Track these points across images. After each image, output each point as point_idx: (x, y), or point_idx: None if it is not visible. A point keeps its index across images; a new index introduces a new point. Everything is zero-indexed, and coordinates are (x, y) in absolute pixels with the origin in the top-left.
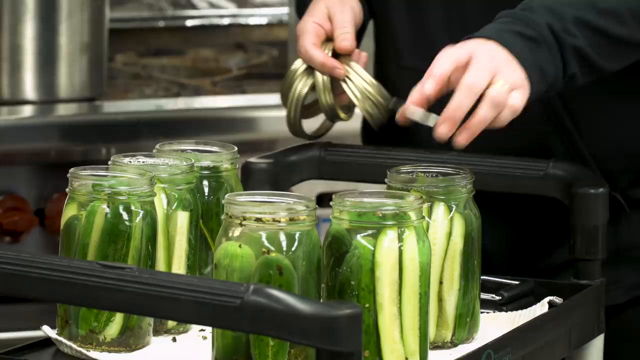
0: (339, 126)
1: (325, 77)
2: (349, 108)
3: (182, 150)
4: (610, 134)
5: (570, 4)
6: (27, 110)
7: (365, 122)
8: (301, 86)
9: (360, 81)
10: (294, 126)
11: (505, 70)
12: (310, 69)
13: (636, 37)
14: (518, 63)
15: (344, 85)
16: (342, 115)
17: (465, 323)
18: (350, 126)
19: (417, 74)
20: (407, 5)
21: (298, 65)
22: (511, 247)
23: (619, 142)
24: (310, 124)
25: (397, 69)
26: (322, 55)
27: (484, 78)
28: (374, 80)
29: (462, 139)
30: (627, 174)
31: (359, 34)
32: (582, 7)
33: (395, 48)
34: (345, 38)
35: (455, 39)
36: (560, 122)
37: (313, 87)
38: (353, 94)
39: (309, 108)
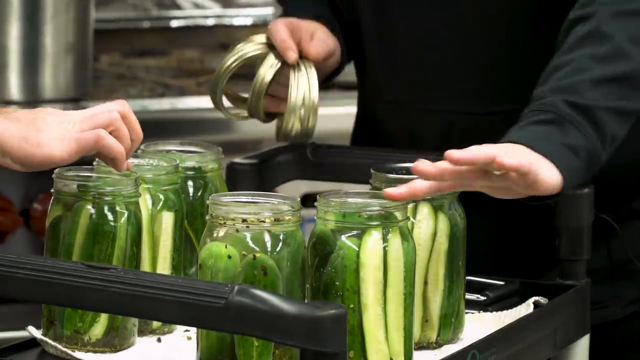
0: (324, 126)
1: (267, 73)
2: (272, 116)
3: (167, 151)
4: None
5: (575, 71)
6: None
7: (357, 124)
8: (265, 71)
9: (305, 82)
10: (254, 110)
11: (515, 152)
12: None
13: None
14: (532, 152)
15: (291, 75)
16: (262, 117)
17: (450, 323)
18: (334, 126)
19: (400, 107)
20: (379, 40)
21: (248, 49)
22: (496, 248)
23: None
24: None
25: (379, 104)
26: (286, 34)
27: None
28: (316, 95)
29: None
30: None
31: (332, 74)
32: (585, 67)
33: (374, 82)
34: (316, 45)
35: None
36: None
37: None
38: (293, 91)
39: (232, 97)
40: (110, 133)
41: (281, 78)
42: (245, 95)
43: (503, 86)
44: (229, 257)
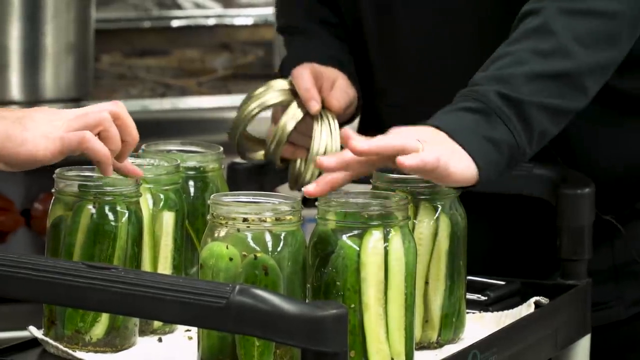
0: None
1: (289, 123)
2: (286, 161)
3: (168, 151)
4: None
5: (514, 63)
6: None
7: (361, 126)
8: (287, 120)
9: (327, 133)
10: (273, 157)
11: (429, 141)
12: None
13: (586, 63)
14: (452, 141)
15: (314, 126)
16: (277, 162)
17: (451, 323)
18: None
19: (402, 110)
20: (380, 44)
21: (270, 96)
22: (497, 248)
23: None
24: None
25: (382, 106)
26: (310, 82)
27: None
28: (338, 146)
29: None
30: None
31: (348, 120)
32: (525, 60)
33: (376, 85)
34: (338, 96)
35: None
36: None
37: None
38: (315, 142)
39: (251, 140)
40: (99, 134)
41: (301, 126)
42: (261, 137)
43: None
44: (231, 259)
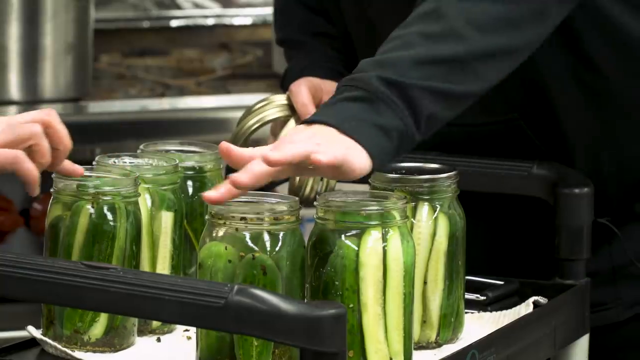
0: None
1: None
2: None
3: (167, 151)
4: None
5: (401, 47)
6: (11, 111)
7: None
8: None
9: None
10: None
11: (324, 143)
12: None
13: (481, 47)
14: (341, 134)
15: None
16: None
17: (449, 323)
18: None
19: None
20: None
21: (269, 112)
22: (496, 248)
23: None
24: None
25: None
26: (307, 97)
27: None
28: None
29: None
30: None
31: None
32: (412, 43)
33: None
34: None
35: None
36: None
37: None
38: None
39: None
40: (30, 147)
41: None
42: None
43: (497, 96)
44: (229, 261)
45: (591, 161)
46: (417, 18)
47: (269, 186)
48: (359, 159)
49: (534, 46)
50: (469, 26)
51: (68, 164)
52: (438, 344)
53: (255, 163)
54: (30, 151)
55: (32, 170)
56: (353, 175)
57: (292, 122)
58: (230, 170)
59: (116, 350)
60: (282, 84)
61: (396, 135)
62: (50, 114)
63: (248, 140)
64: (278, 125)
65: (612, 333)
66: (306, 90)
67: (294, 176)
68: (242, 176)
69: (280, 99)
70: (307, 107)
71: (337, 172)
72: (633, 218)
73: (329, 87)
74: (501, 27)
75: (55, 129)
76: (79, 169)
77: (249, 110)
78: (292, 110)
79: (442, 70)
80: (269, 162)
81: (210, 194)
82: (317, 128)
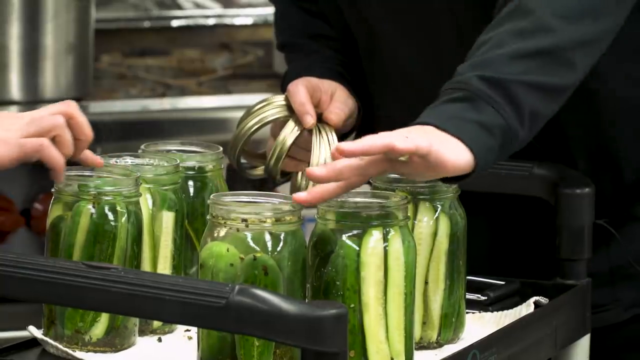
0: None
1: (288, 138)
2: (286, 175)
3: (168, 151)
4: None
5: (494, 46)
6: (12, 111)
7: (358, 135)
8: (285, 136)
9: (326, 147)
10: (272, 173)
11: (419, 134)
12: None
13: (569, 37)
14: (441, 132)
15: (313, 140)
16: (277, 177)
17: (450, 323)
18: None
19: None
20: (370, 60)
21: (269, 112)
22: (497, 248)
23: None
24: None
25: (377, 118)
26: (305, 97)
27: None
28: None
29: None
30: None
31: (349, 132)
32: (504, 42)
33: (371, 98)
34: (336, 109)
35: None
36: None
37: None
38: (314, 157)
39: (250, 155)
40: (53, 138)
41: (300, 140)
42: (261, 151)
43: None
44: (231, 265)
45: (589, 162)
46: (503, 18)
47: (270, 187)
48: (452, 151)
49: (615, 32)
50: (555, 18)
51: (89, 155)
52: (439, 344)
53: (337, 160)
54: (54, 142)
55: (57, 156)
56: (447, 168)
57: (291, 122)
58: (230, 170)
59: (117, 351)
60: (282, 86)
61: (499, 132)
62: (70, 106)
63: (248, 141)
64: (278, 125)
65: (612, 334)
66: (304, 90)
67: (386, 172)
68: (319, 169)
69: (280, 99)
70: (305, 106)
71: (427, 164)
72: (631, 219)
73: (327, 86)
74: (585, 16)
75: (76, 120)
76: (99, 159)
77: (248, 112)
78: (291, 110)
79: (537, 63)
80: (342, 152)
81: (300, 195)
82: (416, 127)
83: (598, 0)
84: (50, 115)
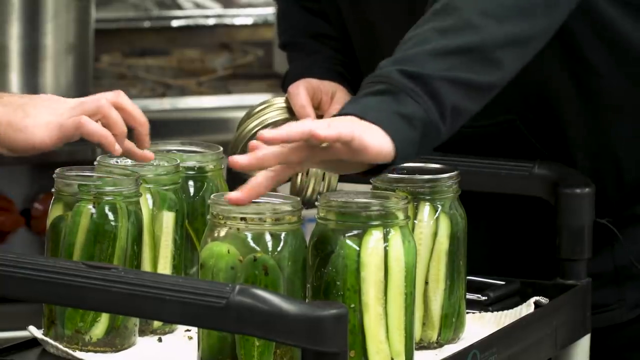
0: None
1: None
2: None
3: (168, 151)
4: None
5: (417, 44)
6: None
7: None
8: None
9: None
10: None
11: (341, 122)
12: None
13: (497, 36)
14: (363, 120)
15: None
16: None
17: (451, 323)
18: None
19: None
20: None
21: (269, 114)
22: (497, 248)
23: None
24: None
25: None
26: (305, 99)
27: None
28: None
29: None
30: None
31: None
32: (428, 39)
33: None
34: (336, 110)
35: None
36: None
37: None
38: None
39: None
40: (100, 120)
41: None
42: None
43: (496, 98)
44: (232, 268)
45: (590, 162)
46: (430, 16)
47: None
48: (374, 137)
49: (549, 35)
50: (483, 16)
51: (138, 151)
52: (439, 344)
53: (259, 149)
54: (104, 125)
55: (99, 130)
56: (369, 153)
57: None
58: (231, 170)
59: (117, 351)
60: (283, 86)
61: (419, 124)
62: (119, 95)
63: (249, 142)
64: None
65: (616, 334)
66: (304, 92)
67: (308, 159)
68: (241, 158)
69: (280, 101)
70: (306, 108)
71: (350, 150)
72: (634, 219)
73: (327, 87)
74: (515, 16)
75: (125, 110)
76: (150, 155)
77: (249, 114)
78: (291, 112)
79: (461, 60)
80: (263, 139)
81: (232, 195)
82: (338, 117)
83: (529, 2)
84: (95, 99)
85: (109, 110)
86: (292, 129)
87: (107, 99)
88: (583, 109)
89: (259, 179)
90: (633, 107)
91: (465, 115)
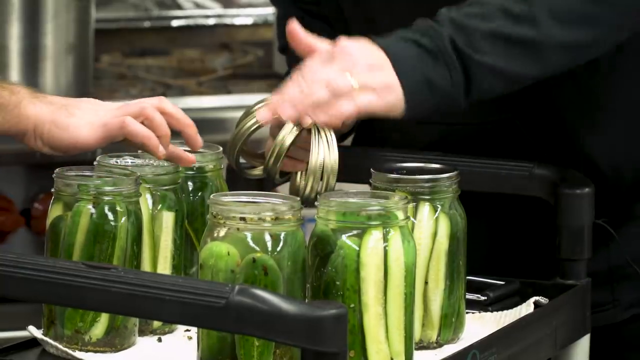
0: None
1: (287, 138)
2: (285, 175)
3: None
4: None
5: (480, 16)
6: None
7: (357, 132)
8: (284, 135)
9: (324, 146)
10: (271, 173)
11: (364, 71)
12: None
13: (554, 37)
14: (392, 68)
15: (311, 139)
16: (276, 177)
17: (450, 323)
18: None
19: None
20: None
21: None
22: (497, 248)
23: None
24: None
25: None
26: None
27: (333, 74)
28: (336, 158)
29: (284, 112)
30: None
31: (349, 132)
32: (492, 16)
33: None
34: None
35: None
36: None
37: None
38: (313, 156)
39: (249, 155)
40: (143, 122)
41: (299, 140)
42: (260, 151)
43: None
44: (232, 271)
45: (587, 162)
46: None
47: (269, 187)
48: (389, 98)
49: (606, 48)
50: (551, 16)
51: (192, 157)
52: (439, 344)
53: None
54: (148, 128)
55: (143, 130)
56: (374, 111)
57: (289, 123)
58: (230, 170)
59: (117, 351)
60: None
61: (440, 93)
62: (161, 100)
63: (247, 141)
64: (277, 126)
65: (612, 334)
66: None
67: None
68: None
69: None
70: None
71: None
72: (630, 219)
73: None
74: (579, 22)
75: (169, 114)
76: (192, 157)
77: (247, 112)
78: None
79: (512, 51)
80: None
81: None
82: (374, 51)
83: (598, 13)
84: (138, 102)
85: (152, 113)
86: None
87: (151, 103)
88: (581, 108)
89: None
90: (631, 106)
91: (489, 95)
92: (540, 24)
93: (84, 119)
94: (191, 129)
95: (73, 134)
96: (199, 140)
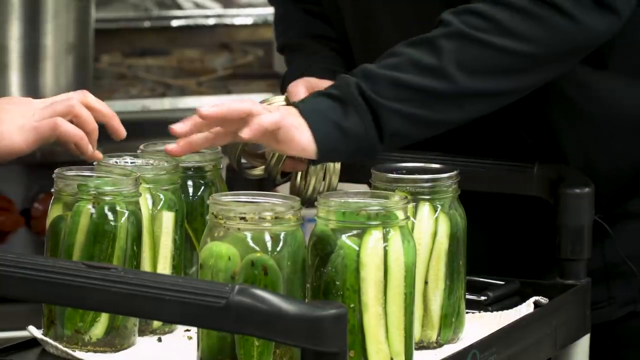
0: None
1: None
2: (286, 175)
3: None
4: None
5: (392, 66)
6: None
7: None
8: None
9: None
10: (272, 173)
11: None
12: None
13: (465, 88)
14: (303, 118)
15: None
16: (277, 178)
17: (450, 323)
18: None
19: None
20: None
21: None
22: (497, 248)
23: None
24: None
25: None
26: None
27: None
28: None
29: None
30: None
31: None
32: (403, 67)
33: None
34: None
35: None
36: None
37: None
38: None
39: (250, 155)
40: (72, 120)
41: None
42: (261, 151)
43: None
44: (232, 277)
45: (583, 159)
46: (419, 42)
47: (270, 186)
48: (303, 137)
49: (523, 93)
50: (459, 68)
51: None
52: (439, 344)
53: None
54: (74, 124)
55: (74, 131)
56: (292, 145)
57: None
58: (230, 170)
59: (117, 350)
60: (282, 86)
61: (355, 139)
62: (85, 95)
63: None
64: None
65: (607, 331)
66: (304, 90)
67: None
68: (174, 146)
69: (280, 99)
70: None
71: (276, 137)
72: (625, 216)
73: (325, 85)
74: (490, 74)
75: (94, 108)
76: (122, 131)
77: None
78: None
79: (421, 98)
80: (201, 115)
81: (169, 146)
82: (284, 107)
83: (508, 63)
84: (64, 99)
85: (80, 110)
86: (231, 106)
87: (77, 99)
88: (577, 106)
89: (199, 136)
90: (629, 106)
91: (406, 140)
92: (448, 76)
93: (14, 124)
94: (114, 120)
95: (7, 143)
96: (122, 130)
